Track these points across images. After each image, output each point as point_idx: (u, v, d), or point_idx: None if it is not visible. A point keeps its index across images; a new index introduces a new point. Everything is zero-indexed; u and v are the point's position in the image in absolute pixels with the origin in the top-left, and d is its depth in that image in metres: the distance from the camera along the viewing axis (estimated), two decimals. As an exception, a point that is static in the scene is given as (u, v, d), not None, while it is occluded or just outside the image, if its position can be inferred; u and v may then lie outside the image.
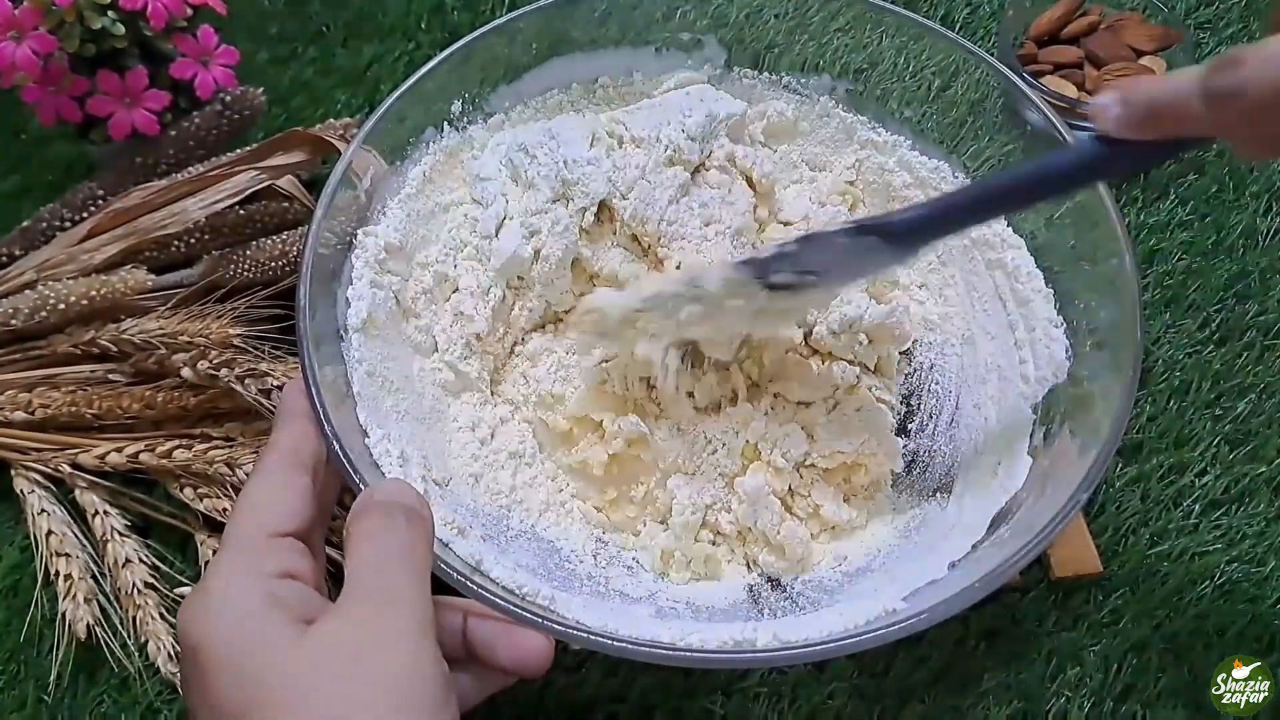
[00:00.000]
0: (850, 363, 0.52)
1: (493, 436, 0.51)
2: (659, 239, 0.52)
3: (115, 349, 0.54)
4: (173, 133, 0.58)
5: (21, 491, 0.52)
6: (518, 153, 0.54)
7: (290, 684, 0.32)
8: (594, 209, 0.52)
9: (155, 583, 0.50)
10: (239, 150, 0.58)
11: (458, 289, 0.53)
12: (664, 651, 0.40)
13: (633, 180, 0.52)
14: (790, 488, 0.50)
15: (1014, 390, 0.51)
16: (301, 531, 0.38)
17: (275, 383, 0.51)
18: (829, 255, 0.45)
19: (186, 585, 0.51)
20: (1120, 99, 0.37)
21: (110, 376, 0.54)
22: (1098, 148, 0.39)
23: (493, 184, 0.54)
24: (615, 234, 0.53)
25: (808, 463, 0.50)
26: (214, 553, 0.51)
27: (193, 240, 0.57)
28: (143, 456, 0.52)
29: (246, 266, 0.56)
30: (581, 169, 0.52)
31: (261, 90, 0.60)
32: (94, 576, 0.51)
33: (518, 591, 0.42)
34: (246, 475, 0.50)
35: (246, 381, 0.51)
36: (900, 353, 0.55)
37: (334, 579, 0.41)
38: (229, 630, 0.34)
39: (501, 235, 0.53)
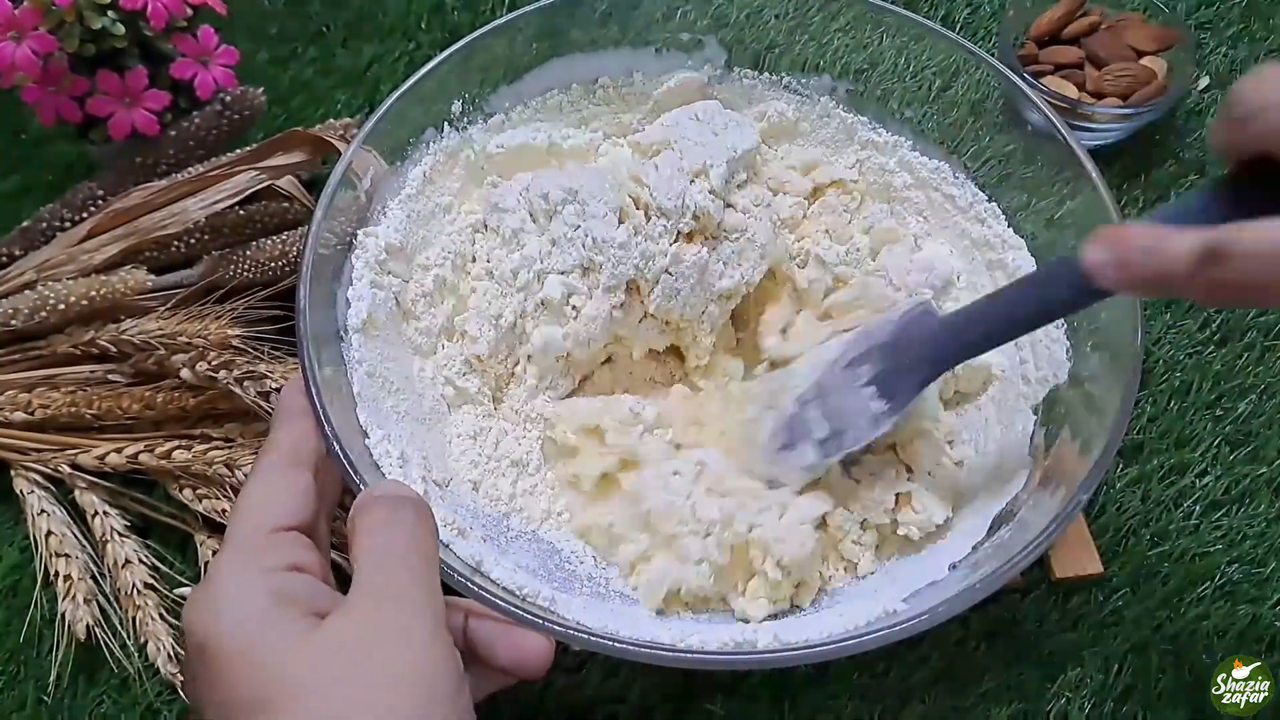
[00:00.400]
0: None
1: (496, 445, 0.51)
2: (686, 322, 0.52)
3: (115, 349, 0.53)
4: (173, 133, 0.58)
5: (21, 492, 0.52)
6: (538, 199, 0.52)
7: (297, 682, 0.32)
8: (622, 289, 0.51)
9: (155, 583, 0.50)
10: (239, 150, 0.58)
11: (467, 309, 0.53)
12: (664, 653, 0.40)
13: (658, 272, 0.51)
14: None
15: (1014, 390, 0.51)
16: (304, 526, 0.38)
17: (274, 385, 0.51)
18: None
19: (186, 586, 0.51)
20: (1116, 261, 0.36)
21: (110, 377, 0.54)
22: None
23: (511, 217, 0.52)
24: (645, 313, 0.52)
25: (895, 527, 0.48)
26: (214, 553, 0.51)
27: (193, 240, 0.57)
28: (142, 457, 0.52)
29: (246, 267, 0.56)
30: (611, 251, 0.50)
31: (261, 90, 0.60)
32: (94, 577, 0.51)
33: (518, 592, 0.42)
34: (246, 476, 0.50)
35: (245, 383, 0.51)
36: None
37: (335, 581, 0.41)
38: (234, 627, 0.34)
39: (545, 284, 0.51)
